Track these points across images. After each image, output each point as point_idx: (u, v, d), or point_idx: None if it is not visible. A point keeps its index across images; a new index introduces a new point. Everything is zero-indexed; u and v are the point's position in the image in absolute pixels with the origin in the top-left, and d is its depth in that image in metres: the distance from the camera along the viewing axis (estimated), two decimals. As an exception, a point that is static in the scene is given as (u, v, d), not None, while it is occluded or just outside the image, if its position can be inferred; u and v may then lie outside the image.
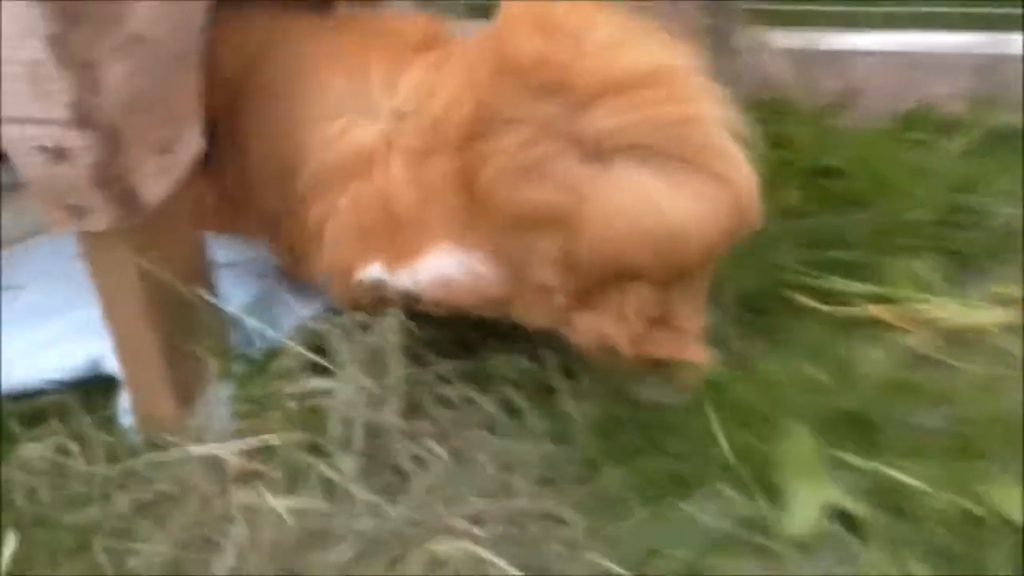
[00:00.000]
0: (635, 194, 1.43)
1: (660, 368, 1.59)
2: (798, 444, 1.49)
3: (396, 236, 1.58)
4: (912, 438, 1.54)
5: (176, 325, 1.60)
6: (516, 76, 1.44)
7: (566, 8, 1.46)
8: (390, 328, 1.54)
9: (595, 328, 1.54)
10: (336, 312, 1.65)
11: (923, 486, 1.45)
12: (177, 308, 1.59)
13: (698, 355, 1.59)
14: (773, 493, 1.47)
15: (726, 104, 1.46)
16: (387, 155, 1.58)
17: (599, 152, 1.43)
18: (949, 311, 1.73)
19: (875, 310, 1.74)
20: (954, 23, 2.16)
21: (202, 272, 1.66)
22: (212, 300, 1.64)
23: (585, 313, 1.54)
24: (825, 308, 1.75)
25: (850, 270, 1.80)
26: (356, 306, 1.61)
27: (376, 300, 1.61)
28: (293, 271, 1.77)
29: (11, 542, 1.48)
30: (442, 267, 1.57)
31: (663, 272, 1.47)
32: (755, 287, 1.78)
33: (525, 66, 1.42)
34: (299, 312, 1.72)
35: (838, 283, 1.77)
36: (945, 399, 1.60)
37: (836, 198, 1.94)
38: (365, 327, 1.57)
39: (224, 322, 1.66)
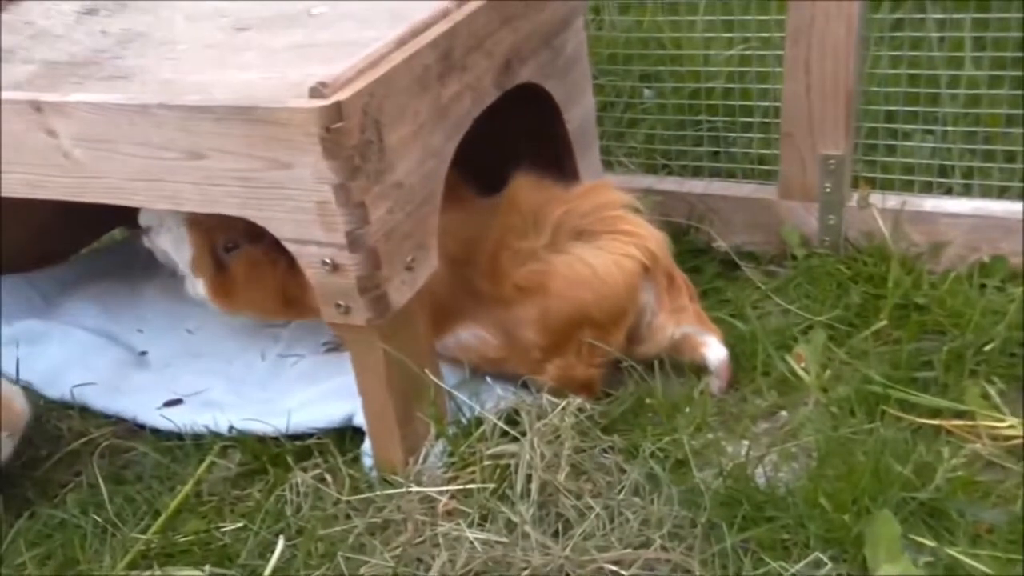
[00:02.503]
0: (577, 262, 1.67)
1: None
2: (884, 527, 1.39)
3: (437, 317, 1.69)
4: (979, 529, 1.42)
5: (408, 395, 1.61)
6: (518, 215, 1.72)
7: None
8: (567, 409, 1.52)
9: (564, 370, 1.69)
10: (527, 393, 1.65)
11: (988, 571, 1.34)
12: (409, 383, 1.60)
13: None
14: (862, 566, 1.37)
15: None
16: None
17: (556, 242, 1.70)
18: (1012, 426, 1.60)
19: (951, 423, 1.62)
20: (1017, 194, 2.04)
21: (429, 358, 1.66)
22: (434, 379, 1.65)
23: (555, 360, 1.69)
24: (909, 417, 1.64)
25: (931, 388, 1.69)
26: None
27: None
28: None
29: (280, 547, 1.51)
30: (463, 337, 1.75)
31: (605, 314, 1.66)
32: (850, 395, 1.68)
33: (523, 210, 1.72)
34: (497, 392, 1.70)
35: (921, 398, 1.65)
36: (1007, 499, 1.48)
37: (921, 329, 1.82)
38: (549, 407, 1.55)
39: (442, 396, 1.66)
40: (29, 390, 1.89)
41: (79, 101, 1.58)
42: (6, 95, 1.66)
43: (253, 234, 1.77)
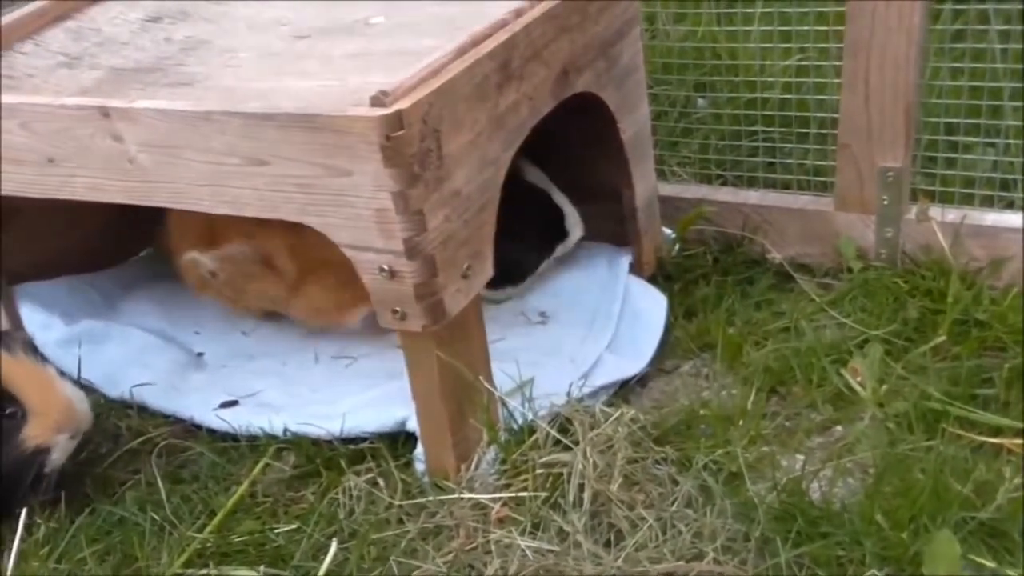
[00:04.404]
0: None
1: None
2: (944, 547, 1.37)
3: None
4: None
5: (461, 401, 1.62)
6: None
7: None
8: (620, 420, 1.52)
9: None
10: (580, 402, 1.65)
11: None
12: (463, 389, 1.61)
13: None
14: (919, 585, 1.35)
15: None
16: None
17: None
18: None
19: (1012, 442, 1.59)
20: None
21: (483, 365, 1.68)
22: (488, 386, 1.66)
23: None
24: (968, 435, 1.61)
25: (991, 406, 1.66)
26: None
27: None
28: None
29: (333, 549, 1.52)
30: None
31: None
32: (907, 411, 1.66)
33: None
34: (550, 400, 1.70)
35: (982, 416, 1.63)
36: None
37: (981, 345, 1.80)
38: (601, 416, 1.55)
39: (495, 403, 1.67)
40: (90, 389, 1.94)
41: (144, 107, 1.61)
42: (74, 100, 1.71)
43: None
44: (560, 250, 2.07)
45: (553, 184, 2.05)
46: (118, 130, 1.64)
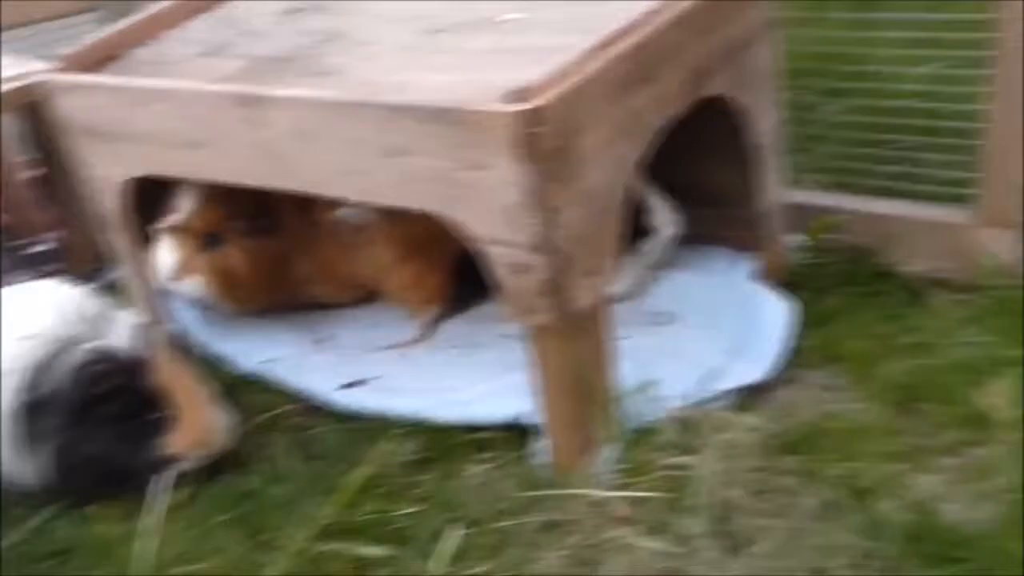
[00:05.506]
0: None
1: None
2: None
3: None
4: None
5: (584, 397, 1.62)
6: None
7: None
8: (748, 427, 1.50)
9: None
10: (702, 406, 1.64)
11: None
12: (587, 385, 1.61)
13: None
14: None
15: None
16: None
17: None
18: None
19: None
20: None
21: (607, 362, 1.67)
22: (612, 383, 1.65)
23: None
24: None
25: None
26: None
27: None
28: None
29: (452, 535, 1.54)
30: None
31: None
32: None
33: None
34: (673, 402, 1.69)
35: None
36: None
37: None
38: (726, 421, 1.54)
39: (618, 400, 1.67)
40: (221, 362, 2.03)
41: (287, 96, 1.67)
42: (219, 87, 1.78)
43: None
44: (647, 248, 2.04)
45: (646, 182, 2.01)
46: (260, 117, 1.70)
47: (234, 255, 2.00)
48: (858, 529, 1.44)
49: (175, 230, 1.97)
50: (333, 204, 2.03)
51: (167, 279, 1.97)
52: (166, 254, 1.98)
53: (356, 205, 2.00)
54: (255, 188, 1.86)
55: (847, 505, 1.48)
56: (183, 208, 2.01)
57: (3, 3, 2.81)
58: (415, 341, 2.06)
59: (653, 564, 1.42)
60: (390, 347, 2.05)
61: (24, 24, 2.98)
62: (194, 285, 1.97)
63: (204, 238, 1.98)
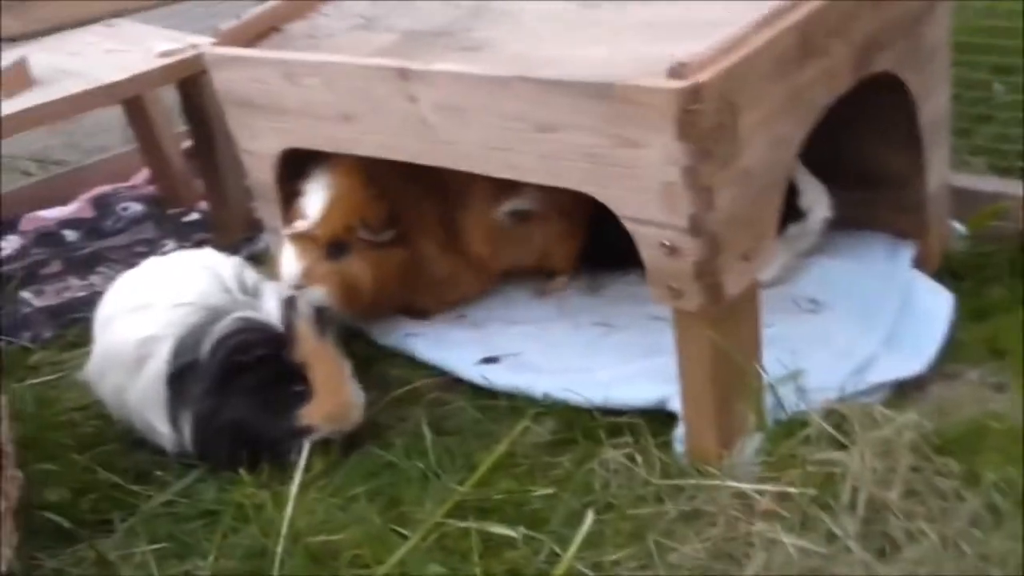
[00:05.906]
0: None
1: None
2: None
3: None
4: None
5: (729, 386, 1.58)
6: None
7: None
8: (904, 424, 1.43)
9: None
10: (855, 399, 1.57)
11: None
12: (732, 373, 1.57)
13: None
14: None
15: None
16: None
17: None
18: None
19: None
20: None
21: (754, 349, 1.63)
22: (760, 372, 1.60)
23: None
24: None
25: None
26: None
27: None
28: None
29: (589, 519, 1.52)
30: None
31: None
32: None
33: None
34: (823, 393, 1.63)
35: None
36: None
37: None
38: (880, 417, 1.47)
39: (765, 390, 1.62)
40: (361, 334, 2.07)
41: (441, 70, 1.67)
42: (373, 61, 1.79)
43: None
44: (795, 231, 1.93)
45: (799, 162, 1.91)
46: (414, 91, 1.71)
47: (359, 266, 1.92)
48: (1020, 538, 1.36)
49: (300, 237, 1.92)
50: (486, 200, 2.02)
51: (290, 286, 1.90)
52: (291, 261, 1.92)
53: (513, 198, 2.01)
54: (387, 191, 1.92)
55: (1008, 512, 1.39)
56: (310, 212, 1.93)
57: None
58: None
59: (799, 562, 1.37)
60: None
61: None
62: (317, 293, 1.89)
63: (329, 247, 1.91)
